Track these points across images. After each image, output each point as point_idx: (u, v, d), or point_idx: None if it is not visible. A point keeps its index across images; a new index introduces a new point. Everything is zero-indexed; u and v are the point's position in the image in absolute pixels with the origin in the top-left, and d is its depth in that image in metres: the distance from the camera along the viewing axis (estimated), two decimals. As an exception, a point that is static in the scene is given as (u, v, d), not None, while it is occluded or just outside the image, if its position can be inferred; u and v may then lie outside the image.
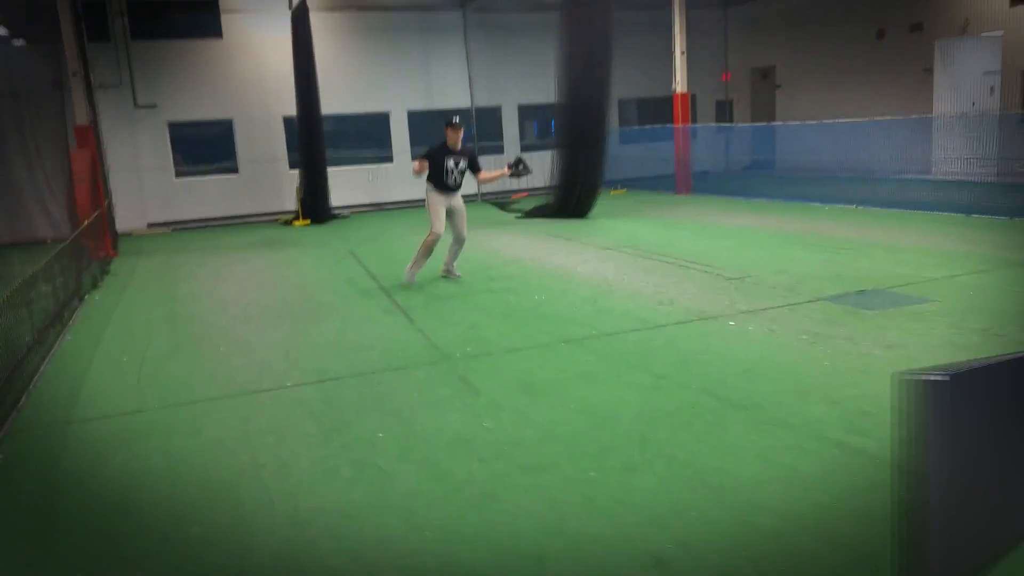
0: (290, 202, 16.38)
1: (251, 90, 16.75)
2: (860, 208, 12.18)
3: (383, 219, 15.47)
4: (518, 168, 7.83)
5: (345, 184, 16.95)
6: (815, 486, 3.29)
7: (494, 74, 18.59)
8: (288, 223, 15.36)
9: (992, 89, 16.60)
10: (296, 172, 16.11)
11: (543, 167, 18.21)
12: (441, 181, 7.81)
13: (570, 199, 12.92)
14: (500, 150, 19.05)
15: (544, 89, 18.38)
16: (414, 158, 8.24)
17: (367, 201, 17.61)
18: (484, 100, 18.66)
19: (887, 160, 14.94)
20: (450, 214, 7.97)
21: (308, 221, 15.10)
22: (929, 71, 16.60)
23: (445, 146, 7.82)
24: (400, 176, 17.94)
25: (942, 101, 16.60)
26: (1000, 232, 9.06)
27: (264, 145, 17.04)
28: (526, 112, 19.44)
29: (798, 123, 16.44)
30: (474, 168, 8.04)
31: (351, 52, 17.46)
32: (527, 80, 18.77)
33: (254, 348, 6.09)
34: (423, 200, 8.06)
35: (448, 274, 8.32)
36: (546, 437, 3.97)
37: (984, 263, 7.32)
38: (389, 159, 18.05)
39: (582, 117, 12.57)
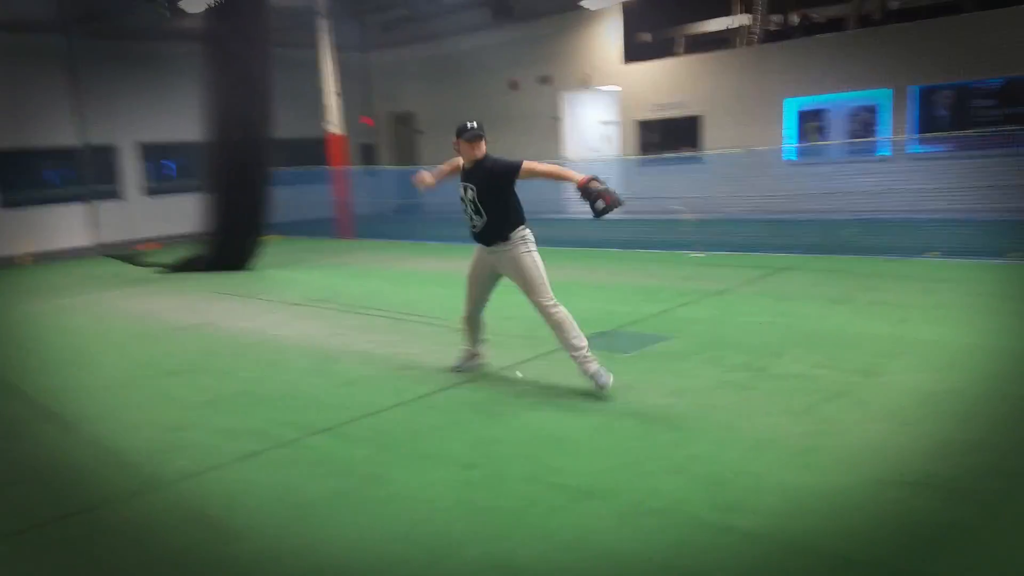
0: None
1: None
2: (531, 248, 12.44)
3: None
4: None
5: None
6: (748, 594, 2.66)
7: (110, 109, 15.81)
8: None
9: (609, 138, 18.64)
10: None
11: (182, 211, 15.98)
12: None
13: (229, 248, 11.19)
14: (113, 195, 16.26)
15: (173, 125, 16.22)
16: None
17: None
18: (97, 138, 15.74)
19: (528, 202, 15.77)
20: (484, 279, 5.14)
21: None
22: (557, 120, 18.04)
23: (460, 168, 5.12)
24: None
25: (570, 148, 18.16)
26: (669, 265, 9.72)
27: None
28: (159, 151, 16.90)
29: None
30: (506, 183, 4.84)
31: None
32: (152, 116, 16.35)
33: None
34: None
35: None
36: (374, 590, 2.79)
37: (684, 296, 7.62)
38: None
39: (240, 155, 10.99)
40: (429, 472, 3.79)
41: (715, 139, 14.91)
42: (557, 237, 12.56)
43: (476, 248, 5.10)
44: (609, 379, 4.71)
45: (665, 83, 15.97)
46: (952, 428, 3.89)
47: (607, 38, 16.74)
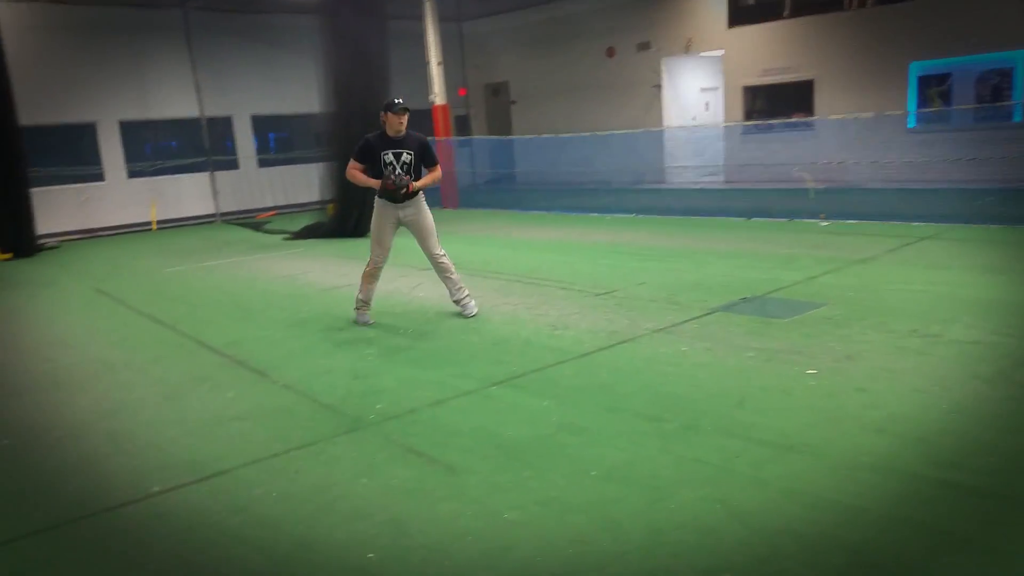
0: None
1: None
2: (640, 217, 12.36)
3: (107, 247, 12.68)
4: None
5: (47, 208, 13.69)
6: (988, 544, 2.66)
7: (224, 81, 16.38)
8: (-18, 258, 11.99)
9: (708, 105, 18.26)
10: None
11: (291, 182, 16.54)
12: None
13: (349, 217, 11.54)
14: (233, 165, 16.88)
15: (283, 98, 16.71)
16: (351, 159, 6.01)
17: (77, 227, 14.44)
18: (213, 109, 16.36)
19: (625, 171, 15.65)
20: (392, 233, 6.18)
21: (11, 255, 11.93)
22: (658, 87, 17.75)
23: (384, 136, 5.93)
24: (115, 197, 15.01)
25: (670, 116, 17.85)
26: (792, 233, 9.52)
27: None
28: (262, 123, 17.45)
29: (545, 136, 16.61)
30: (428, 162, 6.07)
31: (47, 52, 14.23)
32: (263, 88, 16.86)
33: (55, 442, 4.12)
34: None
35: (462, 308, 6.39)
36: (602, 525, 2.90)
37: (824, 263, 7.46)
38: (100, 177, 15.01)
39: (359, 126, 11.26)
40: (618, 423, 3.89)
41: (829, 104, 14.44)
42: (666, 206, 12.52)
43: (383, 206, 6.03)
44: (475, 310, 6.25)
45: (772, 47, 15.53)
46: None
47: (709, 1, 16.34)
